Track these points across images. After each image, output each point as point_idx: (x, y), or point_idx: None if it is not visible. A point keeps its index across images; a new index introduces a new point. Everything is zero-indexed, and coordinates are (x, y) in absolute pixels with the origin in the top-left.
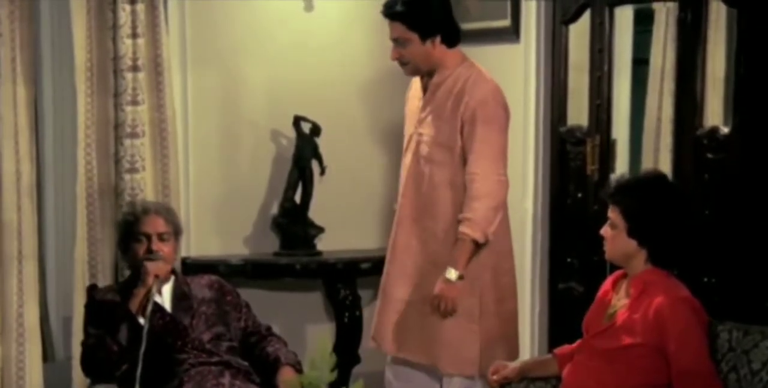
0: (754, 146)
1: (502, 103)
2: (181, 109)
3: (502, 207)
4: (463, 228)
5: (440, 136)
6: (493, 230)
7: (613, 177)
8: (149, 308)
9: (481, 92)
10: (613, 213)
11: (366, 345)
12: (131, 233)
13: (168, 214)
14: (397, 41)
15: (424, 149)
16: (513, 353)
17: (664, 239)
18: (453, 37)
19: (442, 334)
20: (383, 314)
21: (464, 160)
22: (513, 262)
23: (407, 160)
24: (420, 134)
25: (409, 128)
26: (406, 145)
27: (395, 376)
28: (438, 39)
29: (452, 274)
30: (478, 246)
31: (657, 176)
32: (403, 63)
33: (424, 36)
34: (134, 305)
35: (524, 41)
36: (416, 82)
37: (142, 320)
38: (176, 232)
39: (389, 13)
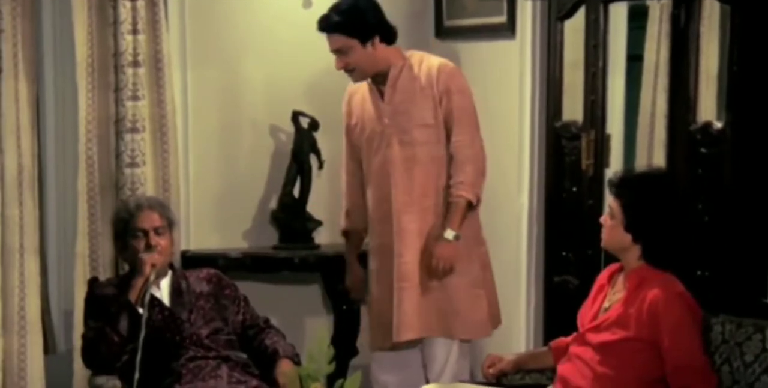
0: (747, 141)
1: (463, 75)
2: (181, 104)
3: (486, 170)
4: (458, 191)
5: (419, 117)
6: (481, 192)
7: (621, 169)
8: (147, 297)
9: (445, 65)
10: (614, 204)
11: (363, 338)
12: (127, 229)
13: (161, 208)
14: (339, 51)
15: (407, 135)
16: (499, 315)
17: (659, 239)
18: (390, 35)
19: (454, 303)
20: (406, 302)
21: (446, 133)
22: (485, 241)
23: (387, 154)
24: (394, 125)
25: (373, 128)
26: (376, 144)
27: (380, 368)
28: (377, 40)
29: (450, 234)
30: (469, 208)
31: (663, 176)
32: (349, 70)
33: (364, 40)
34: (133, 295)
35: (520, 38)
36: (357, 92)
37: (141, 310)
38: (171, 225)
39: (327, 25)
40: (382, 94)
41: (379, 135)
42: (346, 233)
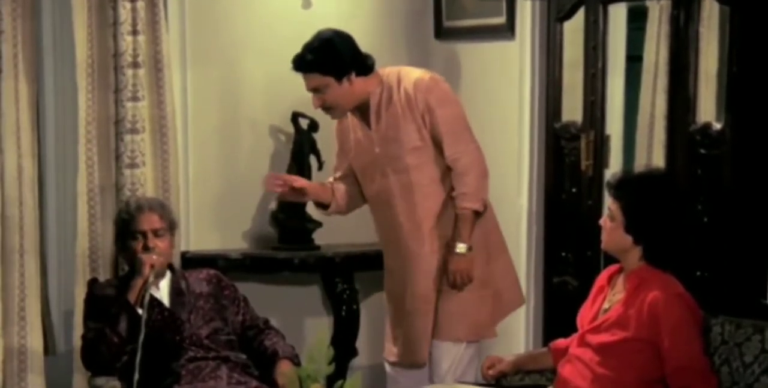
0: (746, 142)
1: (439, 80)
2: (181, 105)
3: (487, 171)
4: (463, 203)
5: (407, 142)
6: (487, 195)
7: (620, 170)
8: (146, 298)
9: (420, 81)
10: (613, 206)
11: (363, 339)
12: (127, 230)
13: (162, 209)
14: (316, 90)
15: (399, 162)
16: (519, 296)
17: (660, 240)
18: (365, 67)
19: (460, 305)
20: (419, 328)
21: (438, 151)
22: (495, 217)
23: (385, 182)
24: (385, 153)
25: (365, 157)
26: (370, 174)
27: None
28: (353, 75)
29: (462, 248)
30: (477, 215)
31: (663, 177)
32: (326, 108)
33: (339, 77)
34: (132, 296)
35: (519, 38)
36: (347, 118)
37: (140, 311)
38: (171, 227)
39: (301, 65)
40: (368, 123)
41: (372, 164)
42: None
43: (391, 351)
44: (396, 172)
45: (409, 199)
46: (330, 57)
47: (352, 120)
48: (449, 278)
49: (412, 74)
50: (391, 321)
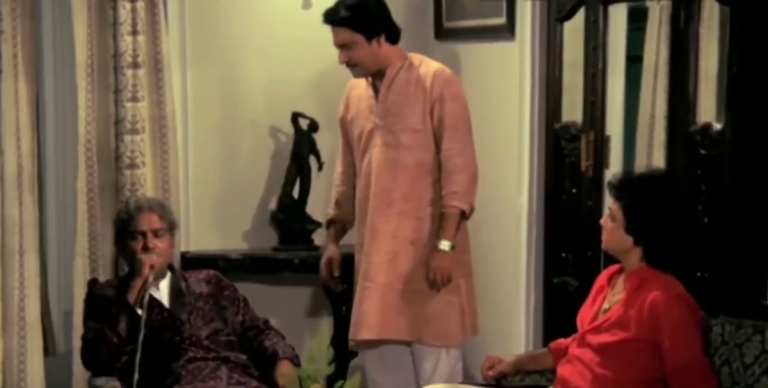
0: (747, 142)
1: (457, 78)
2: (181, 105)
3: (478, 177)
4: (452, 201)
5: (408, 121)
6: (474, 201)
7: (620, 171)
8: (146, 298)
9: (441, 71)
10: (614, 206)
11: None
12: (127, 231)
13: (162, 210)
14: (344, 46)
15: (393, 138)
16: (475, 325)
17: (661, 240)
18: (395, 34)
19: (425, 309)
20: (366, 302)
21: (434, 141)
22: (469, 239)
23: (373, 153)
24: (383, 126)
25: (364, 126)
26: (364, 143)
27: (368, 366)
28: (382, 38)
29: (445, 245)
30: (462, 217)
31: (664, 177)
32: (351, 65)
33: (370, 36)
34: (132, 296)
35: (519, 39)
36: (357, 88)
37: (140, 311)
38: (171, 227)
39: (334, 19)
40: (377, 93)
41: (368, 134)
42: (331, 222)
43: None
44: (387, 145)
45: (390, 175)
46: (363, 15)
47: (361, 89)
48: (429, 276)
49: (435, 63)
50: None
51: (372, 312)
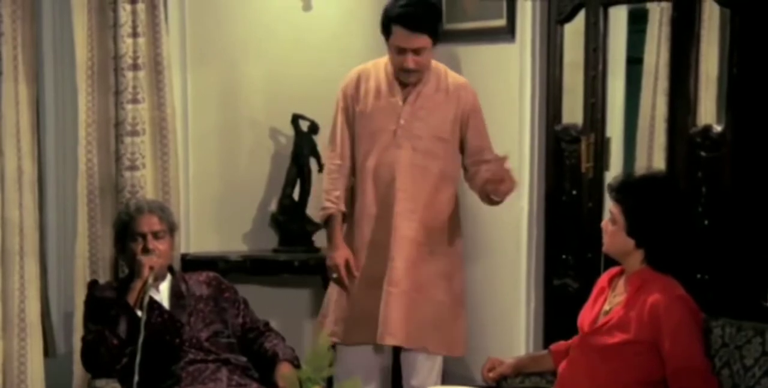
0: (747, 144)
1: None
2: (181, 107)
3: None
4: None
5: (435, 128)
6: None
7: (621, 173)
8: (146, 300)
9: (468, 85)
10: (615, 209)
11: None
12: (127, 232)
13: (162, 212)
14: (418, 51)
15: (422, 144)
16: (465, 343)
17: (663, 243)
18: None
19: (437, 318)
20: (389, 307)
21: (459, 151)
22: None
23: (396, 155)
24: (409, 129)
25: (385, 125)
26: (385, 142)
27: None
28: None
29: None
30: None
31: (664, 179)
32: (414, 70)
33: (436, 42)
34: (132, 298)
35: (520, 41)
36: (369, 80)
37: (140, 313)
38: (171, 229)
39: (423, 26)
40: (402, 94)
41: (390, 133)
42: (331, 217)
43: (349, 333)
44: (415, 150)
45: (418, 182)
46: (438, 22)
47: (377, 82)
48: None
49: (459, 76)
50: (355, 301)
51: (399, 319)
